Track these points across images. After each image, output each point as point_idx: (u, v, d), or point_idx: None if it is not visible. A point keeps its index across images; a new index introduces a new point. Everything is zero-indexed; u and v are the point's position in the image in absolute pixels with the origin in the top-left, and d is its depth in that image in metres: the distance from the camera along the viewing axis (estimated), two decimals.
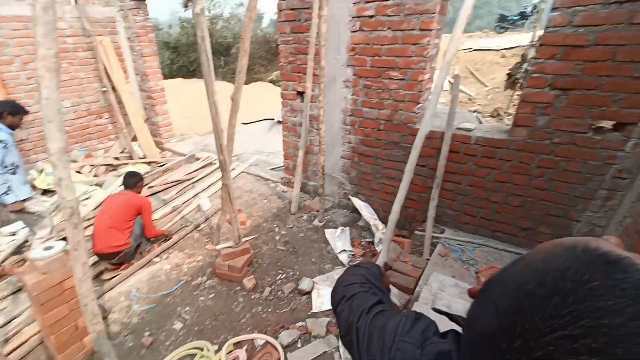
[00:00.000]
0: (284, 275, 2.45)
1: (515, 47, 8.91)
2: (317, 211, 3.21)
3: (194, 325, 2.03)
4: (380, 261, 2.37)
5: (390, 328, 0.53)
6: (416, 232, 2.88)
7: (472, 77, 9.16)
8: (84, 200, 3.37)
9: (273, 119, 6.46)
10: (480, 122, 5.55)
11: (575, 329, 0.26)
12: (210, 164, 4.40)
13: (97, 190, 3.59)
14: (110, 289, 2.31)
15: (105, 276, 2.43)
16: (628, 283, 0.27)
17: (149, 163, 4.61)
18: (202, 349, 1.82)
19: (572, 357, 0.26)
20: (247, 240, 2.64)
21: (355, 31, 2.57)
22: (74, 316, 1.75)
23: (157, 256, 2.66)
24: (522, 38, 9.06)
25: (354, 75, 2.71)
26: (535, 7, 11.20)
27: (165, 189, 3.73)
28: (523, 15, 11.92)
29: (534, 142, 2.15)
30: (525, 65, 6.82)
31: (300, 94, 3.16)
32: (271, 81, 11.66)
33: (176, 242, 2.82)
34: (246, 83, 11.62)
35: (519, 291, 0.31)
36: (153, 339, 1.93)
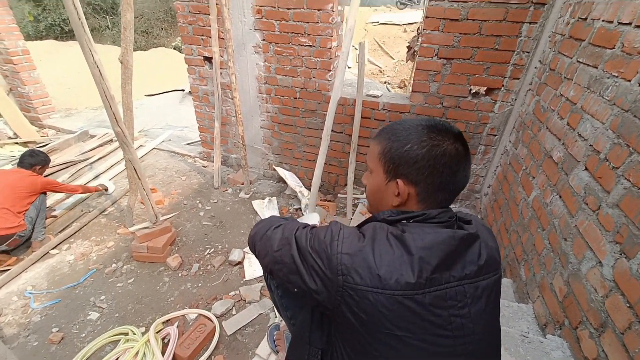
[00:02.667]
0: (212, 250, 2.41)
1: (414, 22, 9.75)
2: (242, 184, 3.16)
3: (113, 312, 1.88)
4: None
5: (335, 224, 0.66)
6: (339, 195, 3.10)
7: (380, 50, 9.77)
8: None
9: (184, 90, 5.90)
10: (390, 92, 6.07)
11: None
12: (111, 141, 3.86)
13: None
14: None
15: None
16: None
17: (24, 144, 3.79)
18: (126, 334, 1.72)
19: None
20: (166, 219, 2.47)
21: None
22: None
23: (54, 248, 2.30)
24: (418, 14, 9.94)
25: (264, 40, 2.65)
26: None
27: (54, 172, 3.16)
28: None
29: (429, 107, 2.49)
30: (420, 39, 7.57)
31: (208, 59, 2.95)
32: (175, 48, 10.45)
33: (78, 230, 2.47)
34: (145, 48, 10.23)
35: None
36: (63, 334, 1.73)
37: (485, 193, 2.62)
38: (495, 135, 2.44)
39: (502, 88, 2.24)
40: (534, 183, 1.71)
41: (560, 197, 1.42)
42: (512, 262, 1.81)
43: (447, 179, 0.63)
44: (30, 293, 1.96)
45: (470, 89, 2.35)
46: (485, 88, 2.34)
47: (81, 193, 2.64)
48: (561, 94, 1.60)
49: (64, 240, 2.38)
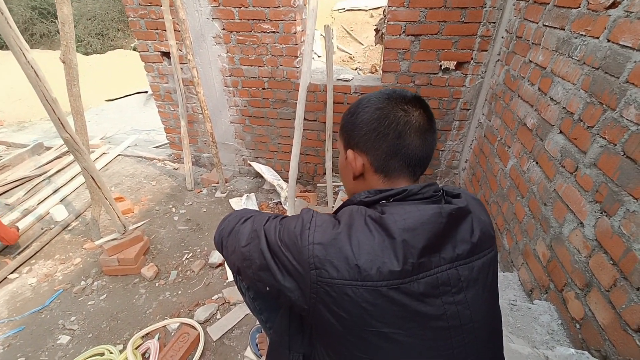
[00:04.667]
0: (190, 255, 2.28)
1: (380, 7, 9.71)
2: (217, 183, 3.03)
3: (86, 333, 1.73)
4: None
5: (307, 211, 0.59)
6: (319, 184, 3.03)
7: (349, 37, 9.68)
8: None
9: (147, 92, 5.59)
10: None
11: None
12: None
13: None
14: None
15: None
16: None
17: None
18: (102, 354, 1.59)
19: None
20: (136, 228, 2.31)
21: None
22: None
23: (12, 272, 2.10)
24: None
25: (224, 29, 2.49)
26: None
27: (7, 191, 2.90)
28: None
29: (402, 86, 2.44)
30: (387, 17, 7.55)
31: (166, 54, 2.77)
32: (135, 49, 9.91)
33: (39, 250, 2.27)
34: (102, 52, 9.60)
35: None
36: None
37: (463, 168, 2.63)
38: (469, 110, 2.43)
39: (472, 61, 2.23)
40: (510, 152, 1.71)
41: (537, 163, 1.41)
42: (494, 232, 1.81)
43: (393, 142, 0.59)
44: None
45: (441, 65, 2.32)
46: (455, 63, 2.31)
47: (16, 240, 2.19)
48: (530, 60, 1.59)
49: (24, 262, 2.17)
